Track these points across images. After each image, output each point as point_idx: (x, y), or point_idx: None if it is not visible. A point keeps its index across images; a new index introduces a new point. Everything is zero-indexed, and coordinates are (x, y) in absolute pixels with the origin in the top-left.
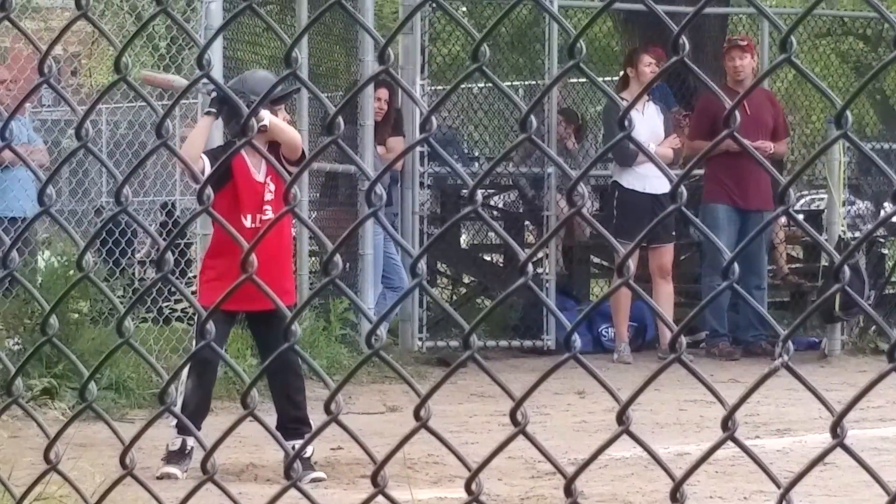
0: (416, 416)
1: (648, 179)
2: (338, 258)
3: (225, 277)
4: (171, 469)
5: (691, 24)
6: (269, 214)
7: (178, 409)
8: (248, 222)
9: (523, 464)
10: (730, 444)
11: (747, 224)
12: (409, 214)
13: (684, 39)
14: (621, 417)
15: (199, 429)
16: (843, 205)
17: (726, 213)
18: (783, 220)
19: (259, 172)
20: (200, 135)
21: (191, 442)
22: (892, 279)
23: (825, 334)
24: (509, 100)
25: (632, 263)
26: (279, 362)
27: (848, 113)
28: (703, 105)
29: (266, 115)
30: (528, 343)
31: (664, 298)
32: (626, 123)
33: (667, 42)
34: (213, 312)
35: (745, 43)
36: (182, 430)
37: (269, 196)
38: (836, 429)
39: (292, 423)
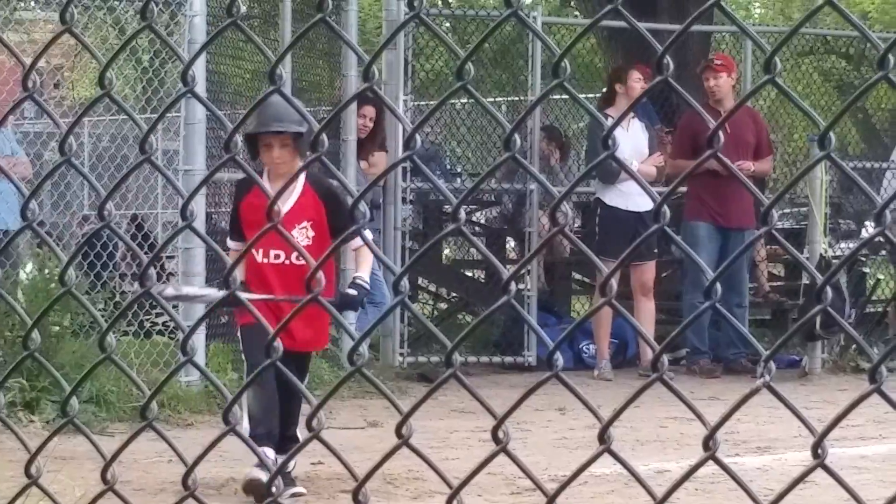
0: (398, 433)
1: (632, 197)
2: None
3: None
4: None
5: (676, 42)
6: (300, 259)
7: (244, 428)
8: (258, 257)
9: (504, 480)
10: (711, 461)
11: (728, 242)
12: (391, 230)
13: (668, 59)
14: (602, 436)
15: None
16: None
17: (707, 231)
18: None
19: (284, 204)
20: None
21: (271, 457)
22: (873, 298)
23: (806, 352)
24: (493, 118)
25: (614, 282)
26: (290, 391)
27: (831, 134)
28: (685, 124)
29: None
30: (509, 359)
31: (646, 316)
32: (610, 143)
33: (650, 59)
34: (277, 334)
35: (719, 62)
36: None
37: (298, 236)
38: (818, 449)
39: (282, 442)
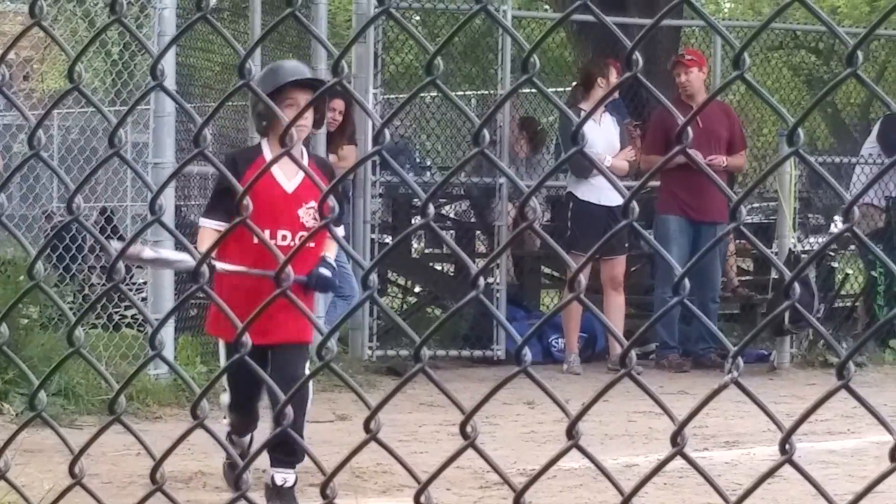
0: (366, 428)
1: (604, 191)
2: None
3: (231, 302)
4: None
5: (646, 37)
6: (296, 239)
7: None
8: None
9: (472, 474)
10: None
11: (700, 236)
12: (360, 223)
13: (637, 55)
14: (571, 432)
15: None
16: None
17: (679, 224)
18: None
19: (290, 182)
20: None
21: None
22: (842, 293)
23: (774, 347)
24: (462, 112)
25: (583, 277)
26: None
27: (799, 130)
28: (657, 119)
29: (331, 253)
30: (478, 353)
31: (615, 310)
32: (580, 138)
33: (620, 53)
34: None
35: (689, 58)
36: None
37: (304, 216)
38: (785, 445)
39: (284, 454)
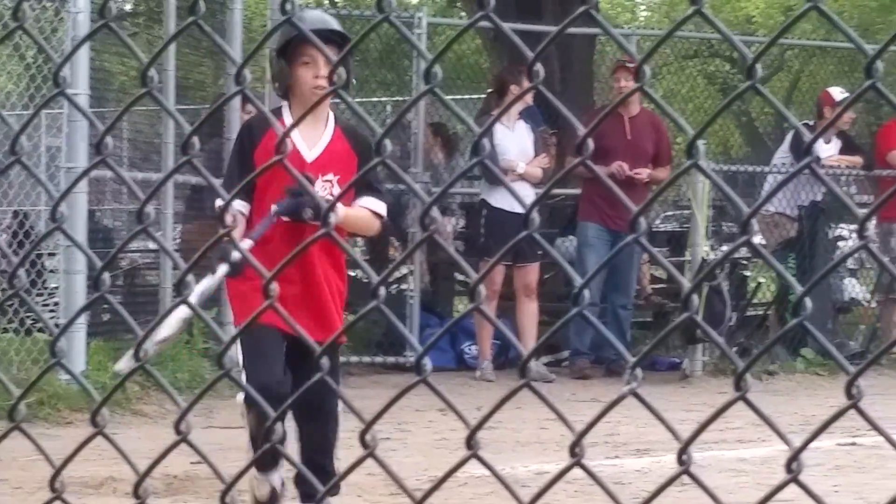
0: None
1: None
2: (190, 279)
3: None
4: None
5: (558, 42)
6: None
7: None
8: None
9: (383, 480)
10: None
11: (619, 243)
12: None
13: (540, 66)
14: (469, 442)
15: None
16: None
17: (597, 232)
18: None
19: (311, 151)
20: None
21: (277, 480)
22: (754, 301)
23: (686, 355)
24: (363, 122)
25: (483, 287)
26: (315, 405)
27: (699, 143)
28: (590, 120)
29: (339, 211)
30: (391, 359)
31: (528, 317)
32: (481, 148)
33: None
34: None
35: (632, 65)
36: (261, 467)
37: (322, 191)
38: (682, 456)
39: (319, 478)
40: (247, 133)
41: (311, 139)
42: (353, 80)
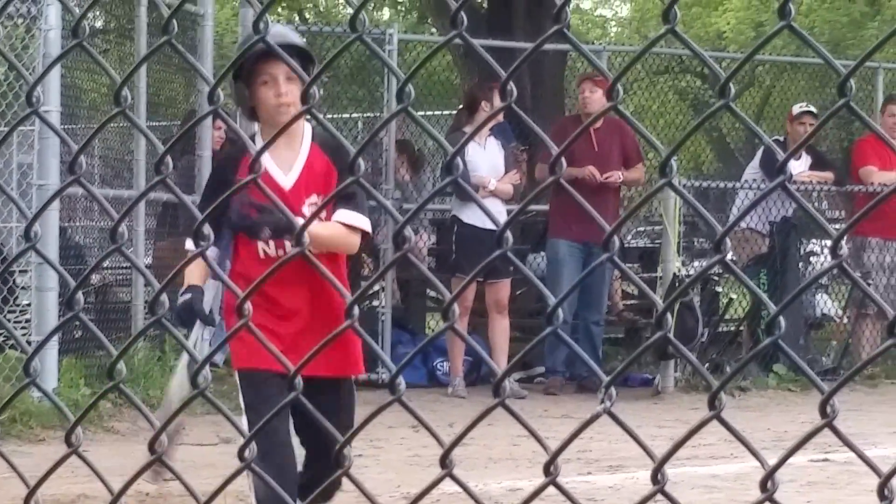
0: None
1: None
2: (164, 298)
3: (262, 326)
4: None
5: (531, 60)
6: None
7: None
8: (268, 250)
9: (356, 497)
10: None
11: (591, 256)
12: None
13: (512, 85)
14: (444, 461)
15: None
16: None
17: (568, 248)
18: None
19: (287, 176)
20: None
21: None
22: (726, 317)
23: (659, 371)
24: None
25: (456, 306)
26: (326, 450)
27: (672, 161)
28: (555, 132)
29: (314, 228)
30: (363, 376)
31: (500, 333)
32: (455, 168)
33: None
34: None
35: (598, 77)
36: None
37: (310, 209)
38: (657, 475)
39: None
40: (220, 170)
41: (286, 162)
42: (319, 94)
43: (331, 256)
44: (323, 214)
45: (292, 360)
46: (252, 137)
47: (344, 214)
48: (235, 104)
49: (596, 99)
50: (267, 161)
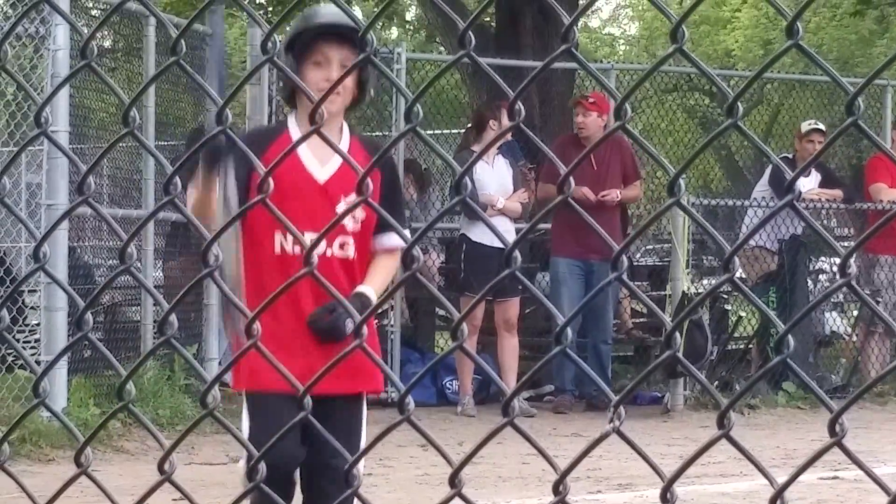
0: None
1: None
2: (173, 318)
3: (271, 343)
4: None
5: (540, 79)
6: (345, 249)
7: None
8: (285, 245)
9: None
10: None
11: (593, 275)
12: None
13: (520, 105)
14: (453, 481)
15: None
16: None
17: (568, 266)
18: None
19: (323, 168)
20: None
21: None
22: (735, 335)
23: (668, 389)
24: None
25: (465, 325)
26: (332, 472)
27: (681, 180)
28: (556, 149)
29: (371, 296)
30: (372, 395)
31: (509, 352)
32: (463, 188)
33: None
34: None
35: (591, 101)
36: None
37: (347, 221)
38: (666, 494)
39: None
40: (247, 140)
41: (324, 155)
42: (371, 92)
43: (347, 265)
44: (361, 215)
45: (301, 375)
46: (282, 124)
47: (389, 239)
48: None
49: (590, 122)
50: (302, 150)
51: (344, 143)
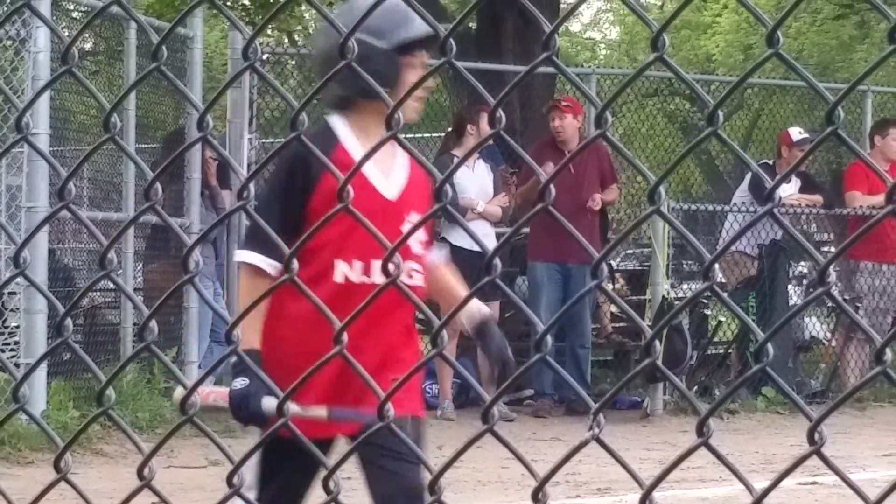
0: (229, 482)
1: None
2: (153, 324)
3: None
4: None
5: (521, 83)
6: (413, 277)
7: None
8: (349, 273)
9: None
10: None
11: (571, 279)
12: (234, 267)
13: (501, 113)
14: (433, 488)
15: None
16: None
17: (546, 271)
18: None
19: (389, 182)
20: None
21: None
22: (715, 340)
23: (647, 393)
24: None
25: (445, 332)
26: (399, 489)
27: (661, 188)
28: (535, 153)
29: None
30: None
31: None
32: (444, 195)
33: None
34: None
35: (565, 104)
36: None
37: (411, 239)
38: (646, 502)
39: None
40: (301, 167)
41: (385, 167)
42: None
43: (418, 293)
44: (423, 236)
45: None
46: (325, 131)
47: (441, 255)
48: (337, 82)
49: (566, 125)
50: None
51: (404, 155)
